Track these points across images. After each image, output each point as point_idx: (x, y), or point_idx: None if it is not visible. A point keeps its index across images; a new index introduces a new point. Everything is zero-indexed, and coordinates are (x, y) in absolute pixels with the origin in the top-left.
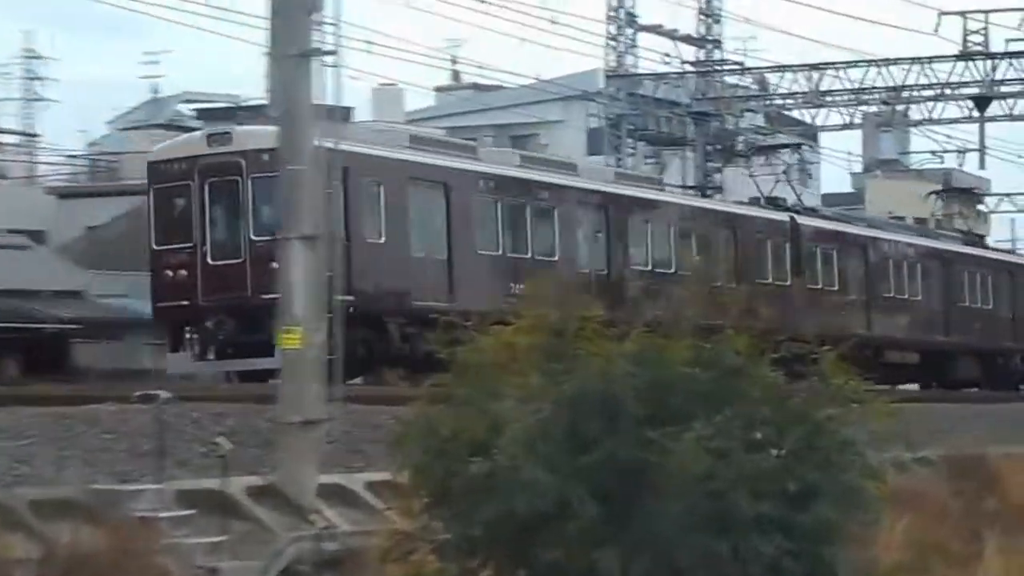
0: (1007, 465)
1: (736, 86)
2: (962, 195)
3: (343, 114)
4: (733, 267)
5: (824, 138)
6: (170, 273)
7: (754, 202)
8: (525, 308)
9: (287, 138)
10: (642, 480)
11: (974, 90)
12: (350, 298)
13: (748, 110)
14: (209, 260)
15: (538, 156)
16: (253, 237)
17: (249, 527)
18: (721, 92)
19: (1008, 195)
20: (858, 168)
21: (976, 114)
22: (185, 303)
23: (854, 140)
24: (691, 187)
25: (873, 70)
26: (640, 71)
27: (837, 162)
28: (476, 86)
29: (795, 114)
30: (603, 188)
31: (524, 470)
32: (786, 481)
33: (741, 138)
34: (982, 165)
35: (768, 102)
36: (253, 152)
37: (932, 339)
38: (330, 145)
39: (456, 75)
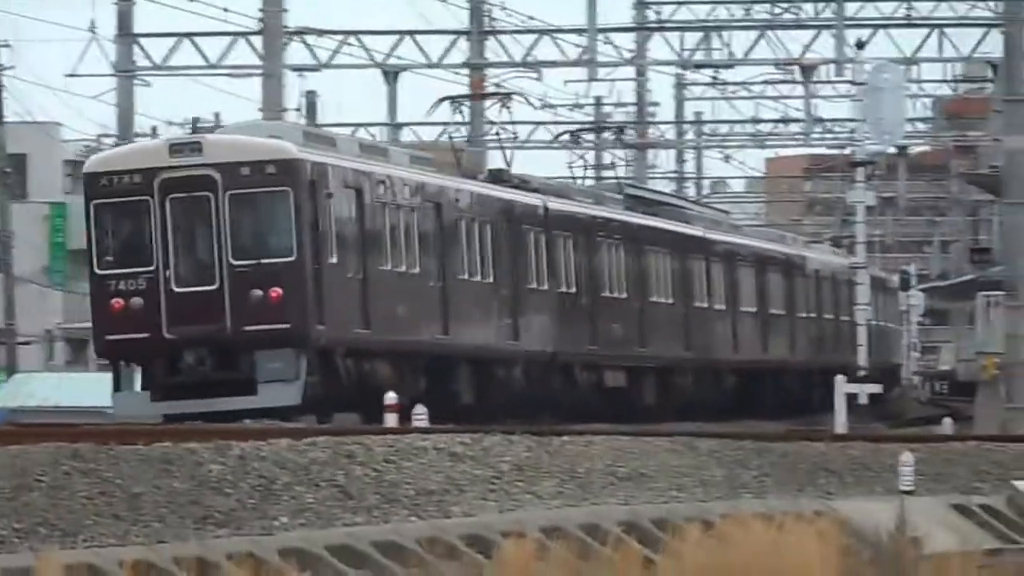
0: None
1: None
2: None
3: None
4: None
5: None
6: (120, 302)
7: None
8: None
9: None
10: None
11: None
12: None
13: None
14: (174, 287)
15: None
16: (232, 261)
17: None
18: None
19: None
20: None
21: None
22: (144, 336)
23: None
24: None
25: None
26: None
27: None
28: None
29: None
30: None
31: None
32: None
33: None
34: None
35: None
36: (230, 165)
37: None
38: None
39: None
